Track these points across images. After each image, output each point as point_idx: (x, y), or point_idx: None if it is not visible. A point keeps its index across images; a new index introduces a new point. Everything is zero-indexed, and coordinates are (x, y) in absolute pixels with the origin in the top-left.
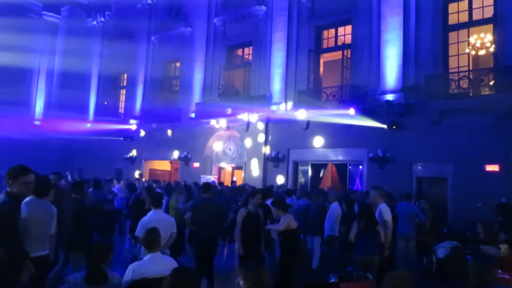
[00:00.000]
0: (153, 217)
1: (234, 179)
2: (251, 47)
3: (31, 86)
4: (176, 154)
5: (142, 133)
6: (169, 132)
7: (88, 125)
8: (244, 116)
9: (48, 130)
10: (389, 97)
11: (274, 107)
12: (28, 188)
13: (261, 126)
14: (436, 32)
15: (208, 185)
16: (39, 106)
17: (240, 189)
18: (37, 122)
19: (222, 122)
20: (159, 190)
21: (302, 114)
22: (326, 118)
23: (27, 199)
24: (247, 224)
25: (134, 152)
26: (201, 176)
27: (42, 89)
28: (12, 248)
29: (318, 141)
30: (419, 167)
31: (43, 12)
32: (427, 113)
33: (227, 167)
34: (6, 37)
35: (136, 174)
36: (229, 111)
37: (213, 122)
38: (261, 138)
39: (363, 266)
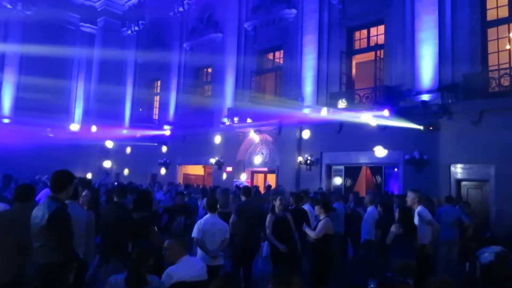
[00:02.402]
0: (210, 221)
1: (268, 183)
2: (281, 51)
3: (70, 94)
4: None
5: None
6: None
7: (124, 131)
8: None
9: (87, 137)
10: (425, 97)
11: (306, 110)
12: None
13: (293, 129)
14: (474, 29)
15: (248, 189)
16: (78, 113)
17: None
18: (76, 129)
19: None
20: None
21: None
22: (359, 120)
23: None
24: (277, 228)
25: (165, 157)
26: (234, 180)
27: (80, 97)
28: (70, 253)
29: (352, 144)
30: (458, 169)
31: (80, 24)
32: (465, 113)
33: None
34: (46, 49)
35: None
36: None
37: None
38: (294, 141)
39: (400, 271)
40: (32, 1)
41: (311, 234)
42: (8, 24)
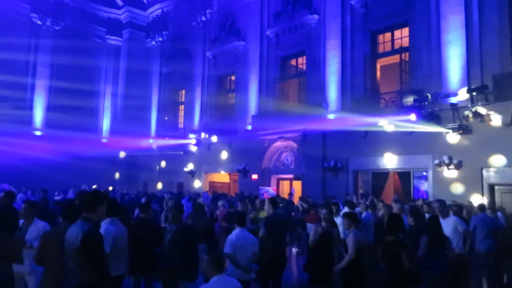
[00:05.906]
0: (241, 235)
1: (293, 190)
2: (304, 57)
3: (98, 106)
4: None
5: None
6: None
7: (151, 141)
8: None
9: (115, 147)
10: (453, 100)
11: (330, 116)
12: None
13: (318, 135)
14: (503, 29)
15: (275, 200)
16: (105, 124)
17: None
18: (104, 140)
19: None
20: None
21: (389, 127)
22: (386, 125)
23: (109, 220)
24: (320, 244)
25: (191, 166)
26: (260, 187)
27: (108, 107)
28: (102, 273)
29: (379, 149)
30: (491, 173)
31: (106, 36)
32: (497, 115)
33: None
34: (74, 61)
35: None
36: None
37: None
38: (319, 147)
39: (433, 282)
40: (60, 16)
41: (347, 258)
42: (39, 39)
